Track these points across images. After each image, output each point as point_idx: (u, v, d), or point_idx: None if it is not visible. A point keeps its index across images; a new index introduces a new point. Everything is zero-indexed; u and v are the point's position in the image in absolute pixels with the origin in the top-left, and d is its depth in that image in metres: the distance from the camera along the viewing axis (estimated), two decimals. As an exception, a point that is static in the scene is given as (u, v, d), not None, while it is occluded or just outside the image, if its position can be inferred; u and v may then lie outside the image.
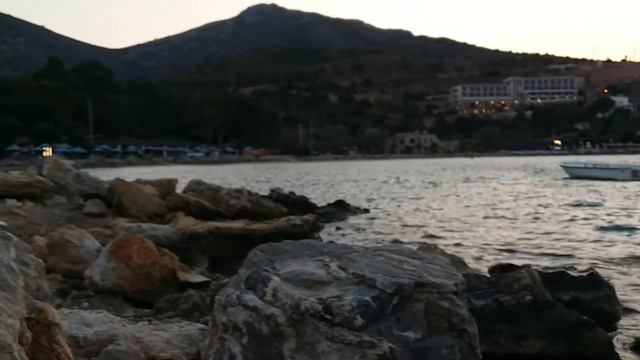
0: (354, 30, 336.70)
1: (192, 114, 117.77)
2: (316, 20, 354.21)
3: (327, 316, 2.34)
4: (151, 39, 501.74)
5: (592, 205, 17.95)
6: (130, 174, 31.77)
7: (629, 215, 15.03)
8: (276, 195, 14.95)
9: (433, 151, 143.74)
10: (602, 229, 12.56)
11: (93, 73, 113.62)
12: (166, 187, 12.17)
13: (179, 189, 12.51)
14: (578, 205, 17.98)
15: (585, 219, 14.55)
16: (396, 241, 11.43)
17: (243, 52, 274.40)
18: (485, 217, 15.57)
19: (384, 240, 11.47)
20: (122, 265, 5.21)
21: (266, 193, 16.61)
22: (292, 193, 16.72)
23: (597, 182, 30.25)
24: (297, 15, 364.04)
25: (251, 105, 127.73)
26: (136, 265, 5.35)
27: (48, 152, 79.72)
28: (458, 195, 24.14)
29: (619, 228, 12.57)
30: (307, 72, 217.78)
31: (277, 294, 2.41)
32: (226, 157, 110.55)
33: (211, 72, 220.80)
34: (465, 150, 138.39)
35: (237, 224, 8.32)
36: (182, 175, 39.35)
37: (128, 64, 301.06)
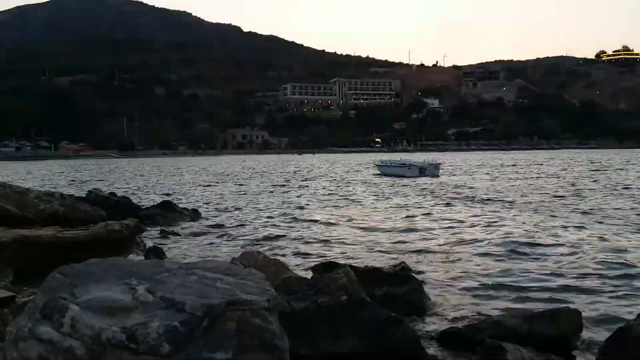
0: (181, 22, 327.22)
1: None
2: (140, 9, 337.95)
3: (132, 345, 2.21)
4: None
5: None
6: None
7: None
8: (94, 197, 14.05)
9: (265, 147, 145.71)
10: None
11: None
12: (-37, 190, 10.84)
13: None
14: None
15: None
16: (222, 242, 11.36)
17: (59, 39, 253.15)
18: (310, 212, 16.10)
19: (210, 244, 11.28)
20: None
21: (84, 194, 15.56)
22: (113, 194, 15.84)
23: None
24: (120, 2, 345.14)
25: (68, 97, 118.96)
26: None
27: None
28: (287, 192, 24.68)
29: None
30: (131, 64, 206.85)
31: (75, 324, 2.23)
32: (40, 152, 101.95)
33: (22, 59, 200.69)
34: (295, 147, 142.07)
35: (47, 232, 7.67)
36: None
37: None
